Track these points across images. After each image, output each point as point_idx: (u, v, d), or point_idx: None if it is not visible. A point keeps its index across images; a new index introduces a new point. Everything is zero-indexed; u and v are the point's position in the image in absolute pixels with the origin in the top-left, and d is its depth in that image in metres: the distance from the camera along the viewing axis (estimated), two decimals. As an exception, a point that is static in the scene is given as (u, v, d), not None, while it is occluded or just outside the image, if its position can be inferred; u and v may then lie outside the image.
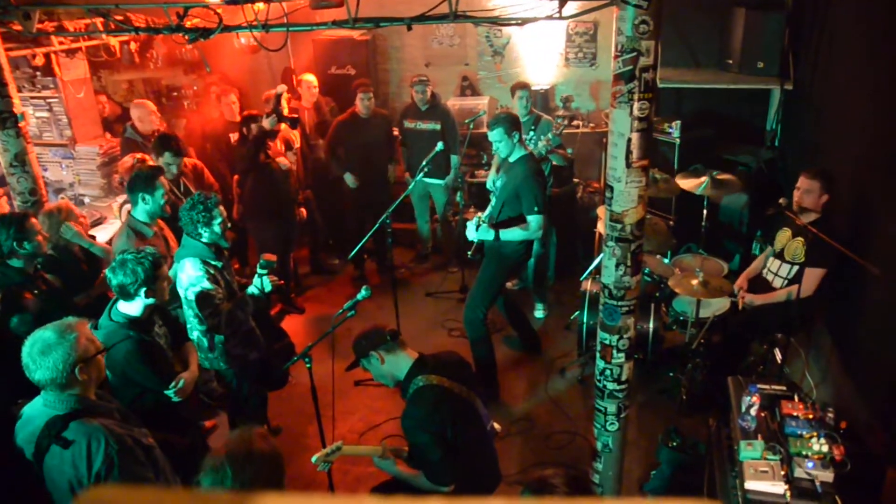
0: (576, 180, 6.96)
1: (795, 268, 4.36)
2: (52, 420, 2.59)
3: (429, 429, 3.09)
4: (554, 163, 6.04)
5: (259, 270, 4.03)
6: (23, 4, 3.92)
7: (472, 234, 4.90)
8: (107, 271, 3.36)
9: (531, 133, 5.88)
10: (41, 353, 2.56)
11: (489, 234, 4.80)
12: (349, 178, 6.62)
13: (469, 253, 5.10)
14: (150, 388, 3.38)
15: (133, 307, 3.35)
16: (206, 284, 3.87)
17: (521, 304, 5.94)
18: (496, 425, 3.51)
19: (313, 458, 3.19)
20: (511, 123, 4.73)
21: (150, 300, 3.35)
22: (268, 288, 4.02)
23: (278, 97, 5.61)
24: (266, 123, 5.54)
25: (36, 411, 2.66)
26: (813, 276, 4.17)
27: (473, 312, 4.99)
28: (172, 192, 4.88)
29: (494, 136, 4.75)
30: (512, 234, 4.78)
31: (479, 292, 5.02)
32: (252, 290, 4.03)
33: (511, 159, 4.84)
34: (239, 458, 2.20)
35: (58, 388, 2.60)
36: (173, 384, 3.40)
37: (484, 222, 4.86)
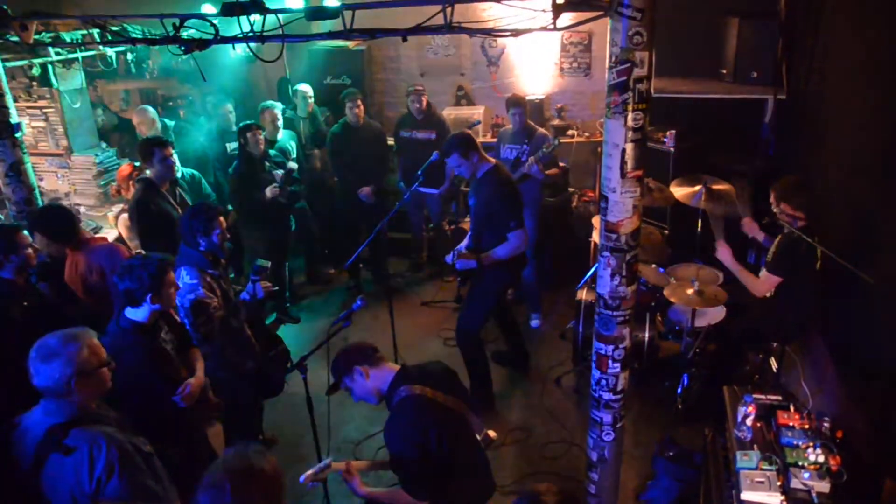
0: (571, 189, 6.97)
1: None
2: (53, 428, 2.56)
3: (411, 440, 3.00)
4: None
5: (252, 277, 4.02)
6: (20, 16, 3.93)
7: (458, 264, 4.78)
8: (114, 277, 3.36)
9: (524, 145, 5.86)
10: (43, 360, 2.54)
11: (470, 265, 4.69)
12: (365, 192, 6.61)
13: (459, 279, 5.02)
14: (156, 393, 3.36)
15: (140, 313, 3.35)
16: (201, 292, 3.86)
17: (517, 314, 5.90)
18: (492, 433, 3.47)
19: (301, 479, 3.10)
20: (464, 145, 4.60)
21: (157, 306, 3.35)
22: (260, 294, 4.01)
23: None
24: (268, 193, 5.74)
25: (34, 421, 2.64)
26: (767, 278, 4.22)
27: (467, 326, 4.94)
28: (168, 202, 4.89)
29: (452, 161, 4.65)
30: (496, 255, 4.66)
31: (473, 305, 4.98)
32: (244, 296, 4.01)
33: (478, 176, 4.72)
34: (238, 474, 2.12)
35: (55, 396, 2.59)
36: (180, 390, 3.39)
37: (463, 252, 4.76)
